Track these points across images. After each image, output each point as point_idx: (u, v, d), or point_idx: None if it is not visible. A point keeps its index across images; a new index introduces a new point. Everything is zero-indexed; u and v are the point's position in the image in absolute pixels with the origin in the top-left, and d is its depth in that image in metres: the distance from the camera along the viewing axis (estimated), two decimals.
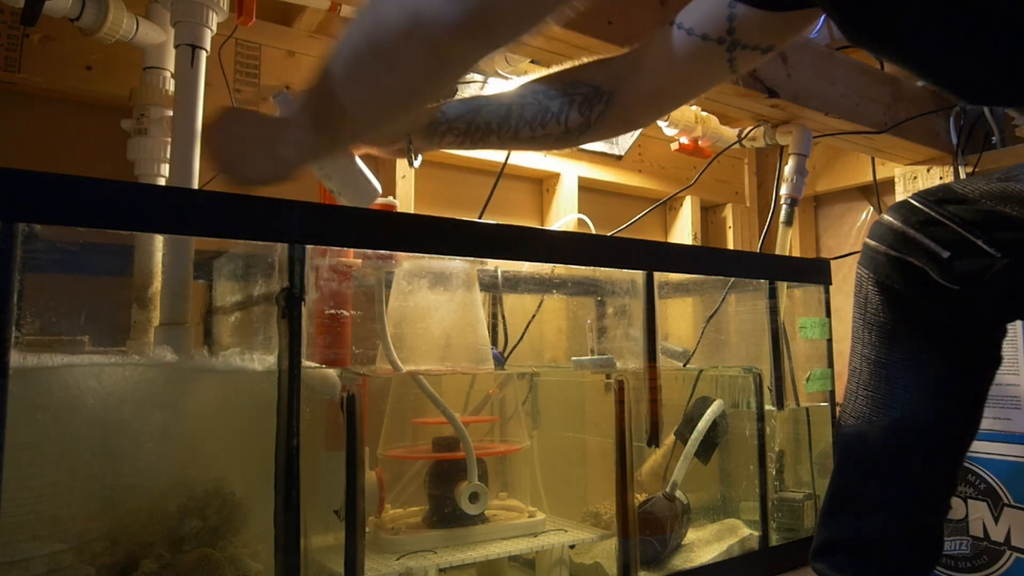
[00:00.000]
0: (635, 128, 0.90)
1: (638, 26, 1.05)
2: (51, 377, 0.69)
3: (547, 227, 1.62)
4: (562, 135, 0.84)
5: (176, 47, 0.92)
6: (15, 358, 0.60)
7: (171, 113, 0.99)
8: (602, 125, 0.83)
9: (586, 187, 1.71)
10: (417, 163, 0.91)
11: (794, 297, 1.29)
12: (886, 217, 0.80)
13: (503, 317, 1.17)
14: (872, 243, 0.81)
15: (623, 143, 1.72)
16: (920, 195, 0.79)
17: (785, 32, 0.74)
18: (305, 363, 0.74)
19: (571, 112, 0.82)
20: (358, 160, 0.87)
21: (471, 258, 0.95)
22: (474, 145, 0.87)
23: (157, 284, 0.93)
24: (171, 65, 1.04)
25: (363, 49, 0.59)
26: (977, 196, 0.74)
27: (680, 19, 0.76)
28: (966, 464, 1.12)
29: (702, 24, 0.73)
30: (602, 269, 1.05)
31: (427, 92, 0.66)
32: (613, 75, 0.84)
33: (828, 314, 1.25)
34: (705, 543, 1.11)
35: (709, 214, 2.04)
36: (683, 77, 0.79)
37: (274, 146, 0.69)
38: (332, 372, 0.83)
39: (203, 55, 0.92)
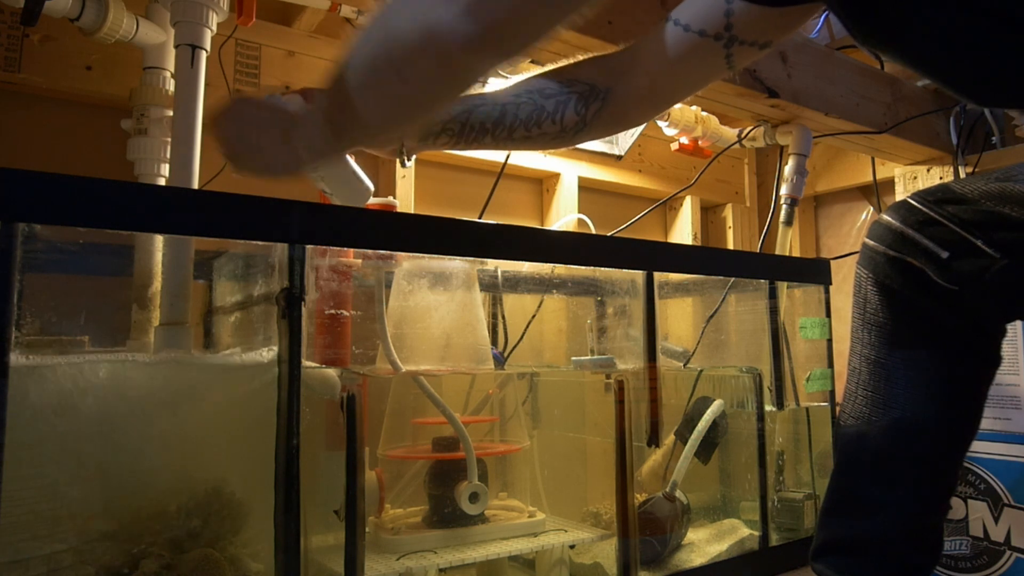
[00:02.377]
0: (631, 126, 0.90)
1: (639, 26, 1.05)
2: (51, 376, 0.69)
3: (547, 227, 1.62)
4: (558, 134, 0.83)
5: (176, 47, 0.92)
6: (15, 357, 0.60)
7: (171, 113, 0.99)
8: (598, 123, 0.83)
9: (586, 187, 1.71)
10: (409, 163, 0.91)
11: (794, 297, 1.29)
12: (885, 217, 0.80)
13: (503, 317, 1.17)
14: (871, 243, 0.81)
15: (623, 143, 1.71)
16: (919, 195, 0.79)
17: (783, 27, 0.73)
18: (305, 363, 0.74)
19: (567, 111, 0.81)
20: (351, 160, 0.86)
21: (471, 258, 0.95)
22: (468, 145, 0.87)
23: (157, 284, 0.93)
24: (171, 65, 1.04)
25: (378, 60, 0.60)
26: (976, 196, 0.74)
27: (676, 15, 0.75)
28: (966, 464, 1.12)
29: (699, 20, 0.72)
30: (602, 269, 1.05)
31: (439, 102, 0.66)
32: (609, 73, 0.83)
33: (828, 314, 1.25)
34: (705, 543, 1.11)
35: (709, 214, 2.04)
36: (680, 74, 0.78)
37: (285, 141, 0.69)
38: (332, 372, 0.83)
39: (203, 55, 0.92)
